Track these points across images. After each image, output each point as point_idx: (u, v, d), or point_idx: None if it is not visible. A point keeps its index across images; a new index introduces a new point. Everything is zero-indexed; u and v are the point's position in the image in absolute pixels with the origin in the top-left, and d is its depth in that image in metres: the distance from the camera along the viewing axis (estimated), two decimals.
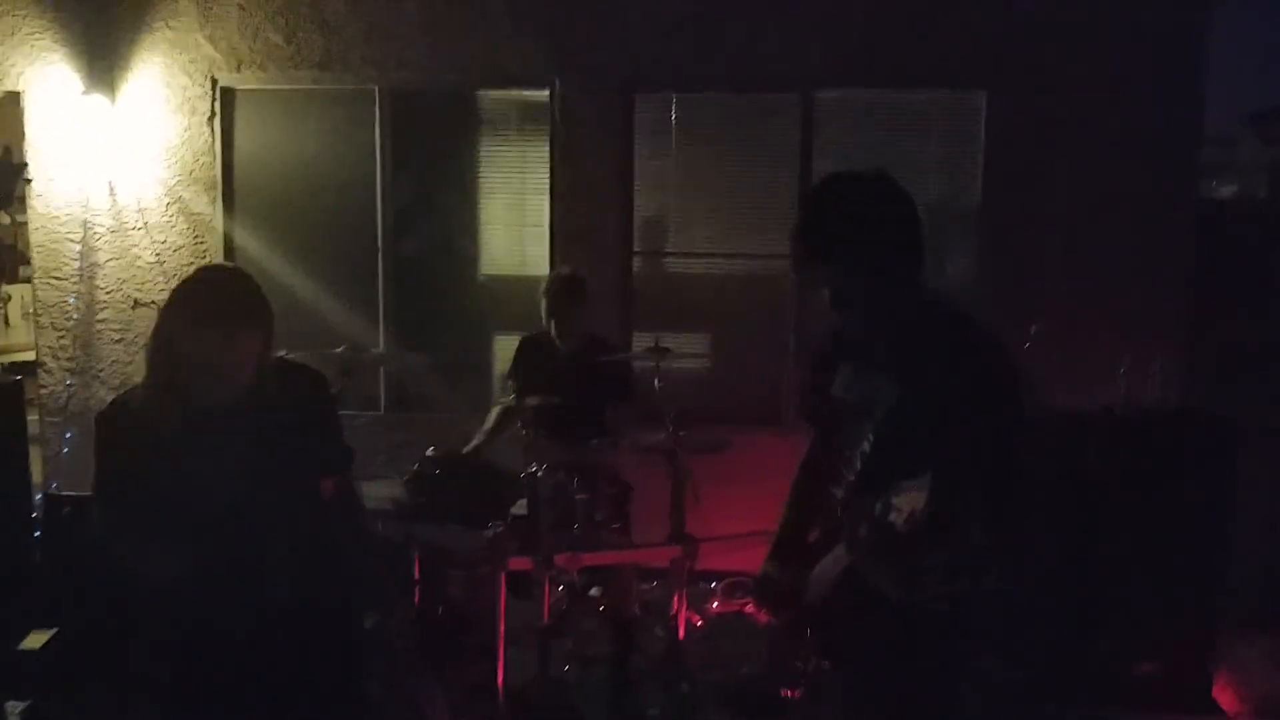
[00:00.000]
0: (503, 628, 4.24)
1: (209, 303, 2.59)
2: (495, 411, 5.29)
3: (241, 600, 2.57)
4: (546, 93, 6.32)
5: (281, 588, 2.58)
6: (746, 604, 5.91)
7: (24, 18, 6.42)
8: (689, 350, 6.25)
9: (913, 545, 2.13)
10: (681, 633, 4.58)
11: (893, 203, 2.48)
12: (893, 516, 2.17)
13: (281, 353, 2.80)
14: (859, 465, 2.46)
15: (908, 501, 2.14)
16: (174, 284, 4.97)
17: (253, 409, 2.61)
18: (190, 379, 2.57)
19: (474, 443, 5.12)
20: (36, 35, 6.41)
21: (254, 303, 2.64)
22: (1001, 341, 2.47)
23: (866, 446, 2.44)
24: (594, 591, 5.05)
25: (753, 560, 5.85)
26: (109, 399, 6.43)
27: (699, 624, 5.52)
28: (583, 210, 6.33)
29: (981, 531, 2.14)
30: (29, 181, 3.76)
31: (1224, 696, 4.64)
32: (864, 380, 2.54)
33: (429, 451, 4.78)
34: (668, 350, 4.89)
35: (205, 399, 2.59)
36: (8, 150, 3.62)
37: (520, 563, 4.27)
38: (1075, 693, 4.53)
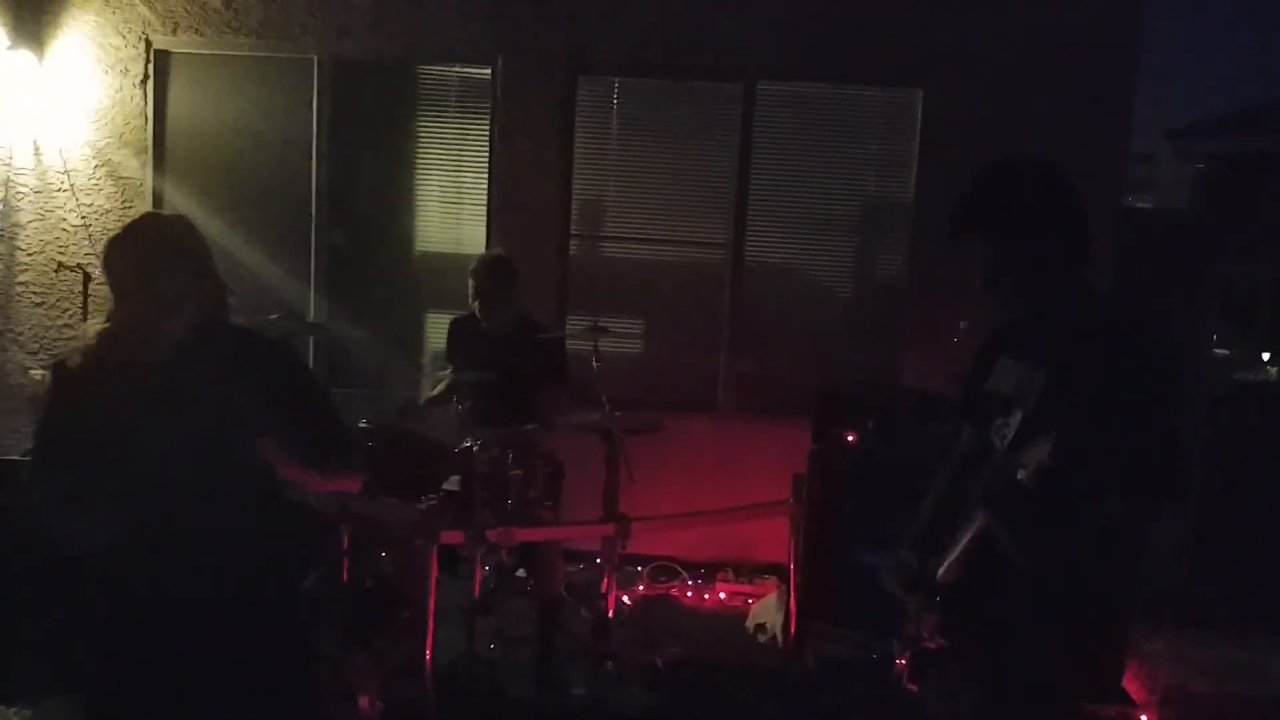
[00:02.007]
0: (433, 603, 4.23)
1: (131, 243, 2.57)
2: (432, 384, 5.26)
3: (169, 563, 2.52)
4: (489, 71, 6.29)
5: (209, 553, 2.53)
6: (671, 588, 5.97)
7: None
8: (624, 333, 6.28)
9: (1036, 500, 2.23)
10: (611, 611, 4.61)
11: (1062, 191, 2.47)
12: (1020, 474, 2.23)
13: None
14: (1003, 447, 2.46)
15: (1033, 456, 2.19)
16: (98, 247, 4.86)
17: (190, 368, 2.56)
18: (119, 328, 2.53)
19: (426, 396, 5.10)
20: None
21: (180, 247, 2.61)
22: (1166, 340, 2.43)
23: (1010, 431, 2.44)
24: (520, 572, 5.06)
25: (679, 544, 5.98)
26: (26, 364, 6.35)
27: (629, 605, 5.56)
28: (521, 190, 6.30)
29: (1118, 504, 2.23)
30: None
31: (1133, 687, 4.79)
32: (1017, 369, 2.51)
33: (361, 424, 4.74)
34: (604, 330, 4.90)
35: (136, 350, 2.53)
36: None
37: (453, 537, 4.27)
38: None
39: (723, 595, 5.94)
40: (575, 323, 6.10)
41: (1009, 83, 5.98)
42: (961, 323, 5.19)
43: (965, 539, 2.51)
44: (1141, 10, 6.07)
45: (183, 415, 2.51)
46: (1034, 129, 5.91)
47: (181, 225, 2.72)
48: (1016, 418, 2.43)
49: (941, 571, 2.58)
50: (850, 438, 5.07)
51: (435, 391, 5.11)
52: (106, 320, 2.57)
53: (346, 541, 4.30)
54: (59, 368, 2.62)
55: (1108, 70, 5.97)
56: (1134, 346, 2.29)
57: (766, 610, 5.45)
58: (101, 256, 2.60)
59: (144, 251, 2.56)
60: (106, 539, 2.52)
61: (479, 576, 4.65)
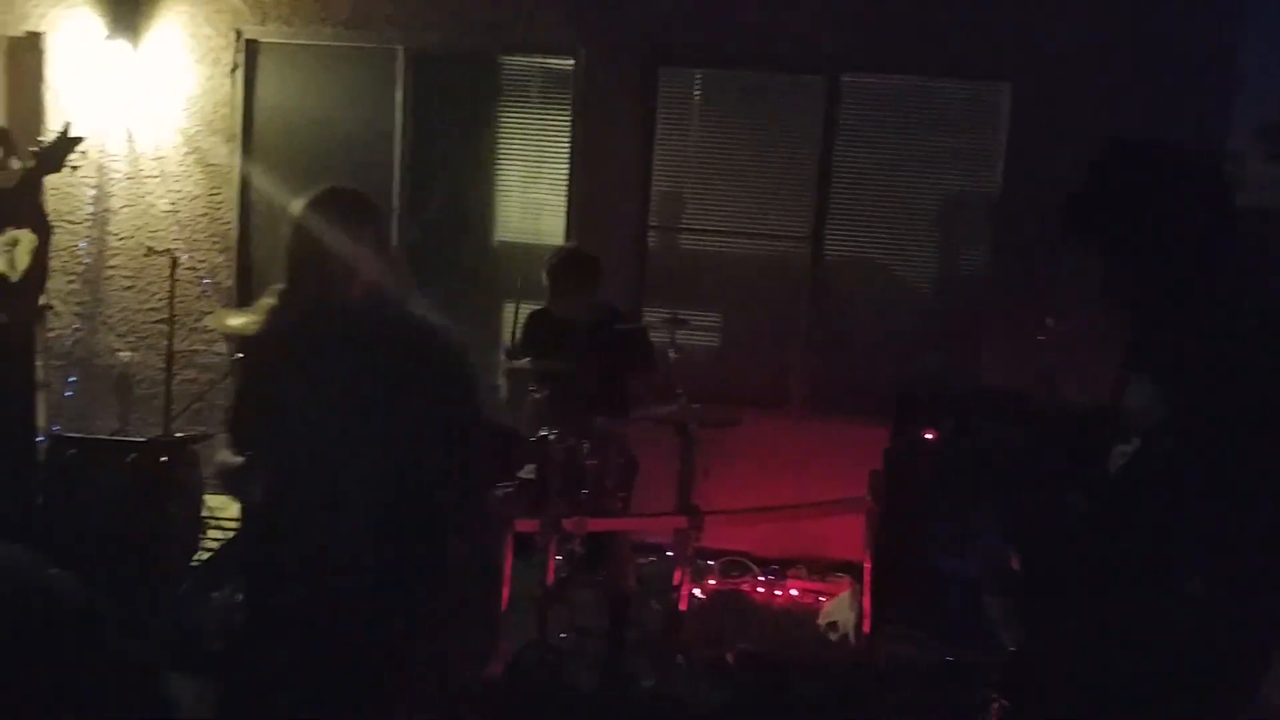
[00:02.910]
0: (507, 590, 4.26)
1: (317, 207, 2.68)
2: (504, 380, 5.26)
3: (323, 527, 2.58)
4: (571, 61, 6.30)
5: (359, 522, 2.57)
6: (742, 583, 5.94)
7: None
8: (699, 326, 6.25)
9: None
10: (683, 605, 4.60)
11: (1196, 180, 2.14)
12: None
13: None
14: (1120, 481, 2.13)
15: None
16: (187, 233, 4.91)
17: (361, 341, 2.60)
18: (299, 287, 2.61)
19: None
20: None
21: (362, 214, 2.71)
22: None
23: (1124, 459, 2.11)
24: (590, 564, 5.06)
25: (751, 539, 5.94)
26: (115, 346, 6.50)
27: (700, 599, 5.54)
28: (600, 181, 6.31)
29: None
30: (84, 154, 3.80)
31: None
32: (1144, 390, 2.14)
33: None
34: (683, 322, 4.89)
35: (314, 321, 2.60)
36: (67, 125, 3.65)
37: (527, 525, 4.29)
38: None
39: (794, 592, 5.89)
40: (652, 315, 6.09)
41: (1099, 77, 5.85)
42: (1048, 320, 5.09)
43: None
44: (1246, 3, 5.90)
45: (346, 388, 2.56)
46: (1125, 126, 5.78)
47: (366, 199, 2.76)
48: (1134, 447, 2.10)
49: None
50: (929, 436, 5.00)
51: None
52: (285, 289, 2.63)
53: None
54: (249, 339, 2.72)
55: (1205, 65, 5.81)
56: None
57: (839, 608, 5.40)
58: (290, 223, 2.67)
59: (334, 220, 2.65)
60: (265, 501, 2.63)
61: (552, 565, 4.66)
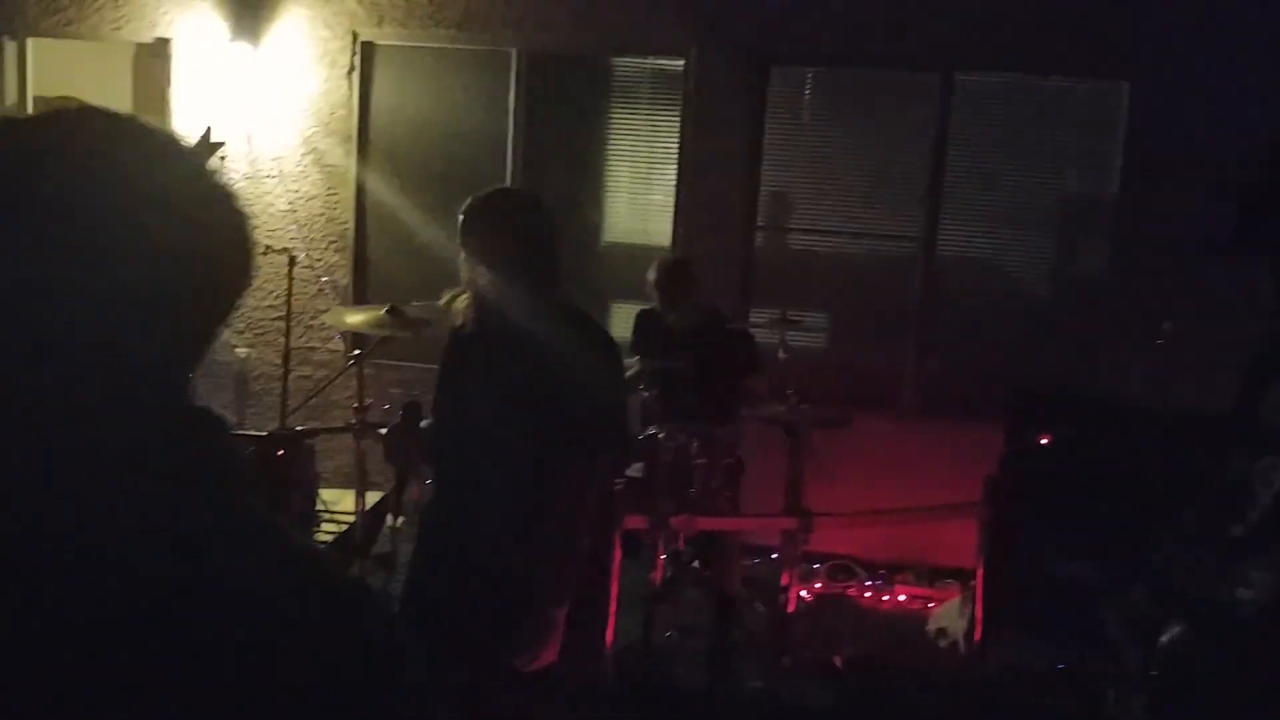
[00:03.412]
0: (615, 588, 4.27)
1: (528, 207, 2.88)
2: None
3: (464, 523, 2.70)
4: (682, 62, 6.31)
5: (499, 521, 2.65)
6: (849, 587, 5.88)
7: None
8: (809, 326, 6.21)
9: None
10: (791, 607, 4.57)
11: None
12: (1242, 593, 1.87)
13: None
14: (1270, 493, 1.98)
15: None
16: (304, 232, 5.01)
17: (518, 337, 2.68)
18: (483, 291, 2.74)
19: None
20: None
21: (547, 217, 2.86)
22: None
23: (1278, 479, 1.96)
24: (696, 564, 5.06)
25: (858, 543, 5.88)
26: (233, 343, 6.67)
27: (806, 601, 5.50)
28: (709, 181, 6.31)
29: None
30: (224, 158, 3.95)
31: None
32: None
33: None
34: (793, 322, 4.87)
35: (487, 315, 2.74)
36: (209, 130, 3.79)
37: (635, 522, 4.30)
38: None
39: (902, 597, 5.82)
40: (760, 315, 6.07)
41: (1221, 76, 5.67)
42: (1166, 325, 4.95)
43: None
44: None
45: (498, 381, 2.68)
46: (1248, 127, 5.59)
47: (531, 199, 2.96)
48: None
49: (1164, 640, 2.11)
50: (1045, 442, 4.89)
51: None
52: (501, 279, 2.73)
53: None
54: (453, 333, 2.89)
55: None
56: None
57: (949, 614, 5.31)
58: (461, 220, 2.76)
59: (492, 220, 2.75)
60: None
61: (660, 564, 4.67)
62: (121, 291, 0.92)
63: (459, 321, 2.79)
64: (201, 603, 0.85)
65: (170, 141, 1.01)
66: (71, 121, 0.97)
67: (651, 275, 4.98)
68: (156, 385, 0.96)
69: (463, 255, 2.74)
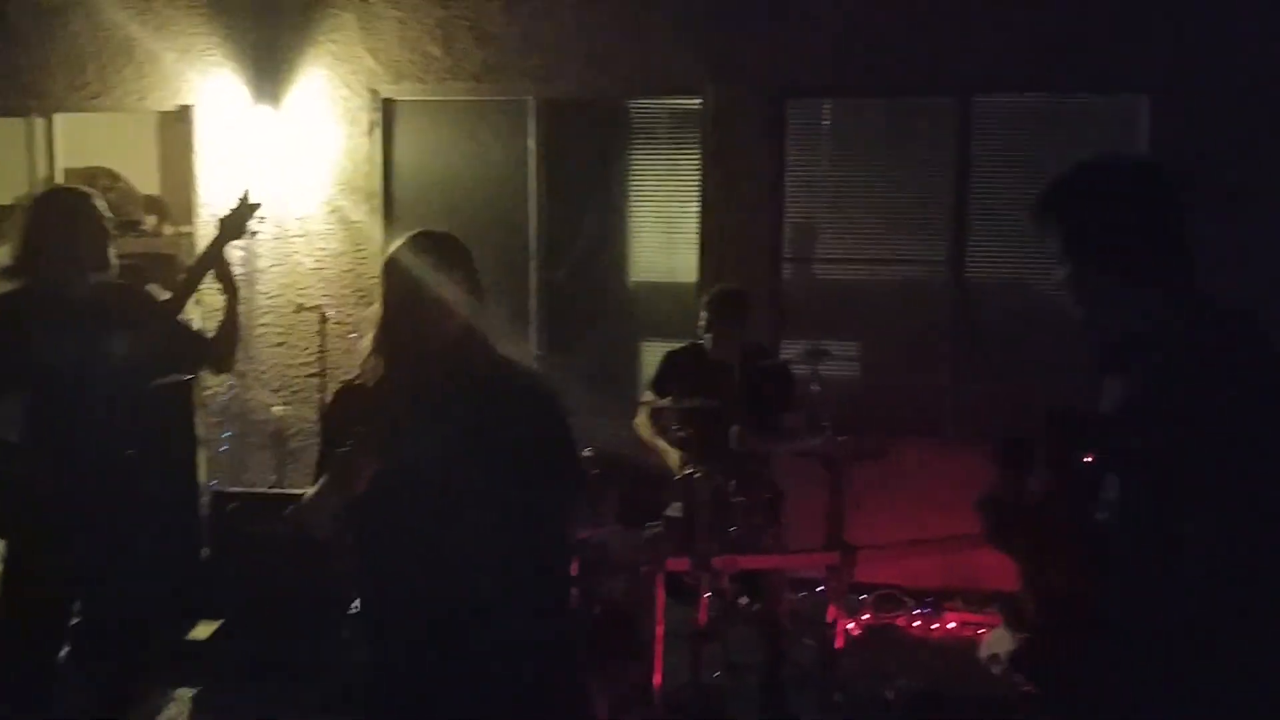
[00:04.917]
0: (660, 629, 4.24)
1: (407, 252, 2.64)
2: (644, 419, 5.25)
3: (441, 588, 2.58)
4: (699, 100, 6.33)
5: (483, 586, 2.57)
6: (897, 617, 5.82)
7: (197, 35, 6.72)
8: (841, 356, 6.17)
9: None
10: (840, 641, 4.52)
11: (1153, 187, 2.19)
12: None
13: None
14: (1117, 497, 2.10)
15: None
16: (333, 289, 5.01)
17: (446, 386, 2.62)
18: (395, 339, 2.62)
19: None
20: (209, 50, 6.70)
21: (455, 260, 2.66)
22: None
23: (1123, 478, 2.10)
24: (743, 600, 5.02)
25: (904, 572, 5.81)
26: (268, 402, 6.71)
27: (854, 633, 5.44)
28: (733, 216, 6.31)
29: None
30: (262, 219, 3.99)
31: None
32: (1114, 392, 2.19)
33: (584, 453, 4.80)
34: (826, 353, 4.85)
35: (410, 363, 2.61)
36: (246, 192, 3.86)
37: (678, 563, 4.28)
38: None
39: (951, 625, 5.75)
40: (791, 348, 6.05)
41: (1243, 86, 5.63)
42: None
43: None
44: None
45: (438, 434, 2.56)
46: (1264, 137, 5.56)
47: (456, 241, 2.77)
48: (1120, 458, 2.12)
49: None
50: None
51: (645, 434, 5.11)
52: (377, 333, 2.67)
53: (576, 568, 4.36)
54: (337, 393, 2.75)
55: None
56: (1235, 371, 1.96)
57: (1000, 640, 5.23)
58: (384, 264, 2.66)
59: (424, 262, 2.62)
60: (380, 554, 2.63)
61: (704, 604, 4.63)
62: None
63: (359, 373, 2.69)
64: None
65: None
66: None
67: (708, 301, 4.94)
68: None
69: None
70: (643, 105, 6.63)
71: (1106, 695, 2.15)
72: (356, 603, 2.86)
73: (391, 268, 2.63)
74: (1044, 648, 2.27)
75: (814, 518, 4.63)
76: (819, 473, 4.63)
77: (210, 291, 3.96)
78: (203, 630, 5.09)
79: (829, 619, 4.59)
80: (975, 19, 5.94)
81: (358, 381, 2.69)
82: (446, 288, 2.60)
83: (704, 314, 4.91)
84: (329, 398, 2.88)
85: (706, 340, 4.92)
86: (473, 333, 2.63)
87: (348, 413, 2.65)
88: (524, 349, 6.46)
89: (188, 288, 3.79)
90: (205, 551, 5.16)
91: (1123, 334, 2.20)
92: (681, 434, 4.79)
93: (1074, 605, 2.16)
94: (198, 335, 3.93)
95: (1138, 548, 2.03)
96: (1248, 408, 1.96)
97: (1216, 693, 1.99)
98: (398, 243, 2.67)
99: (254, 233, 3.97)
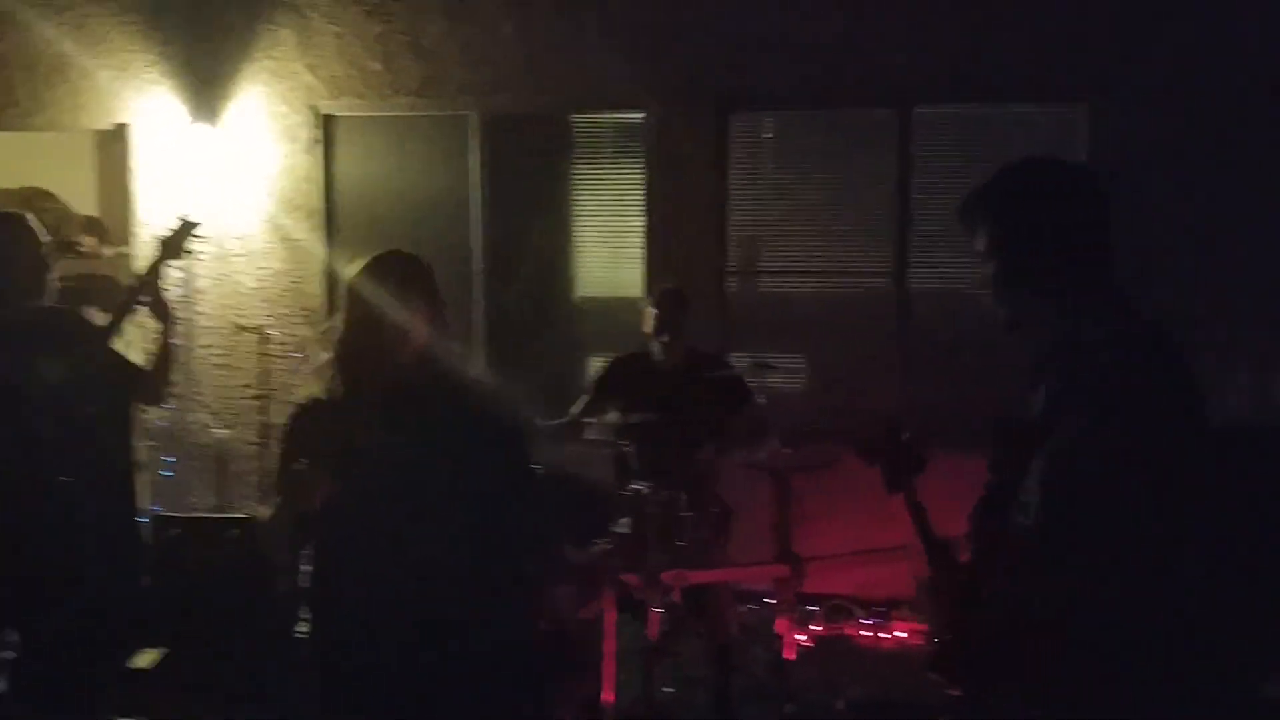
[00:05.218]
0: (612, 645, 4.21)
1: (371, 272, 2.66)
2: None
3: (400, 605, 2.57)
4: (642, 115, 6.33)
5: (448, 602, 2.57)
6: (847, 627, 5.83)
7: (133, 52, 6.64)
8: (788, 368, 6.18)
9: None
10: (791, 653, 4.51)
11: (1079, 192, 2.22)
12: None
13: None
14: (1034, 500, 2.15)
15: None
16: (274, 309, 4.92)
17: (411, 402, 2.61)
18: (356, 356, 2.62)
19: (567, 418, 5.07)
20: (145, 68, 6.62)
21: (414, 277, 2.70)
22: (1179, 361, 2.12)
23: (1038, 481, 2.15)
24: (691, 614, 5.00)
25: (854, 582, 5.82)
26: (209, 424, 6.61)
27: (805, 644, 5.44)
28: (677, 231, 6.31)
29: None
30: (202, 238, 3.93)
31: None
32: (1037, 404, 2.22)
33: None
34: (769, 367, 4.85)
35: (371, 381, 2.61)
36: (186, 213, 3.80)
37: (627, 579, 4.25)
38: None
39: (902, 634, 5.77)
40: (737, 360, 6.04)
41: (1182, 94, 5.72)
42: None
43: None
44: None
45: (398, 452, 2.56)
46: (1214, 144, 5.63)
47: (418, 261, 2.78)
48: (1043, 465, 2.16)
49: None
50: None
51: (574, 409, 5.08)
52: (338, 352, 2.65)
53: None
54: (296, 411, 2.73)
55: None
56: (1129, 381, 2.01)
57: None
58: (347, 285, 2.68)
59: (392, 281, 2.64)
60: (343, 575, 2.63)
61: (654, 618, 4.60)
62: None
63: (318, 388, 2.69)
64: None
65: None
66: None
67: (651, 304, 4.91)
68: None
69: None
70: (586, 120, 6.61)
71: (1027, 693, 2.19)
72: (304, 624, 2.85)
73: (355, 287, 2.63)
74: (960, 649, 2.27)
75: (763, 529, 4.63)
76: (766, 485, 4.63)
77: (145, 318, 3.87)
78: (145, 658, 4.99)
79: (779, 630, 4.59)
80: (915, 31, 5.99)
81: (315, 399, 2.67)
82: (409, 308, 2.60)
83: (653, 313, 4.87)
84: (281, 417, 2.84)
85: (656, 346, 4.89)
86: (434, 352, 2.65)
87: (306, 430, 2.65)
88: (472, 366, 6.40)
89: (124, 311, 3.72)
90: (146, 579, 5.07)
91: (1043, 338, 2.26)
92: (628, 449, 4.76)
93: (988, 606, 2.17)
94: (131, 366, 3.85)
95: (1053, 550, 2.08)
96: (1153, 417, 2.00)
97: (1134, 684, 2.06)
98: (361, 262, 2.67)
99: (194, 252, 3.90)
